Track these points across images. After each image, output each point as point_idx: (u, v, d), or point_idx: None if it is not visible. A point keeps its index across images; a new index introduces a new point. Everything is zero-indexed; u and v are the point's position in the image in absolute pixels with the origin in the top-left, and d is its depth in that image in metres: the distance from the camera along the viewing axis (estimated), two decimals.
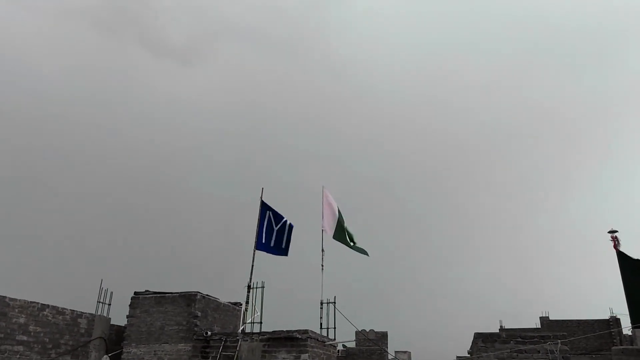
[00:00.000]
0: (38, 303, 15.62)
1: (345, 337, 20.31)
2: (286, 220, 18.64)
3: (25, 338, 14.97)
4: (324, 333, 17.00)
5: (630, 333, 23.19)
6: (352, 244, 19.57)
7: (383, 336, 38.74)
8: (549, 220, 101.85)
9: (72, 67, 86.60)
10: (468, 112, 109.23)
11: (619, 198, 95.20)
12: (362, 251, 19.72)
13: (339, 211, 19.57)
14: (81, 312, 17.16)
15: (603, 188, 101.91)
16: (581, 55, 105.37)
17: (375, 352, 36.06)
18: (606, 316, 31.60)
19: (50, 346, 15.74)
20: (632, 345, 18.18)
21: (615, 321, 30.30)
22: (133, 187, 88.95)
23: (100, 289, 18.16)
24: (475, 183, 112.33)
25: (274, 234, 18.35)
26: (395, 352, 47.85)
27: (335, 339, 17.44)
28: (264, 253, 18.40)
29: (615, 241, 18.38)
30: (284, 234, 18.50)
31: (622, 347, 16.36)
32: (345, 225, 19.60)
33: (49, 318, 15.89)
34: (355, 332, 30.39)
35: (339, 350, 29.91)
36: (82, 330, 17.03)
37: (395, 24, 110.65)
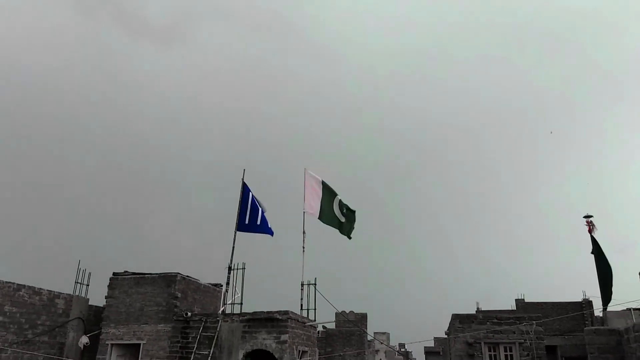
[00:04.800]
0: (14, 283, 15.35)
1: (325, 319, 20.56)
2: (260, 205, 18.54)
3: (0, 318, 14.73)
4: (304, 314, 17.11)
5: (601, 314, 23.89)
6: (342, 220, 19.21)
7: (362, 317, 39.24)
8: (525, 205, 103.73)
9: (46, 48, 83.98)
10: (450, 105, 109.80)
11: (592, 184, 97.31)
12: (346, 230, 19.37)
13: (323, 190, 19.36)
14: (58, 292, 16.94)
15: (577, 175, 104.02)
16: (558, 49, 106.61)
17: (354, 333, 36.54)
18: (579, 298, 32.48)
19: (26, 326, 15.53)
20: (603, 325, 18.74)
21: (587, 303, 31.16)
22: (111, 169, 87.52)
23: (78, 269, 17.92)
24: (452, 172, 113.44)
25: (259, 212, 18.26)
26: (375, 333, 48.70)
27: (315, 320, 17.58)
28: (245, 235, 18.34)
29: (590, 226, 18.79)
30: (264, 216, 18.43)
31: (593, 327, 16.86)
32: (333, 204, 19.28)
33: (25, 298, 15.65)
34: (335, 313, 30.69)
35: (319, 332, 30.25)
36: (60, 311, 16.83)
37: (379, 12, 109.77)
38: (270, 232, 18.29)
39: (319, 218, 19.12)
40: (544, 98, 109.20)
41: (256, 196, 18.65)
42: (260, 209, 18.26)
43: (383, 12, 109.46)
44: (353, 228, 19.51)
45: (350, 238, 19.44)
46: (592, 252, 18.10)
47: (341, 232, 19.35)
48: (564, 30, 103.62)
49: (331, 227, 19.39)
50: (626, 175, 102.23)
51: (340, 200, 19.42)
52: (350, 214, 19.49)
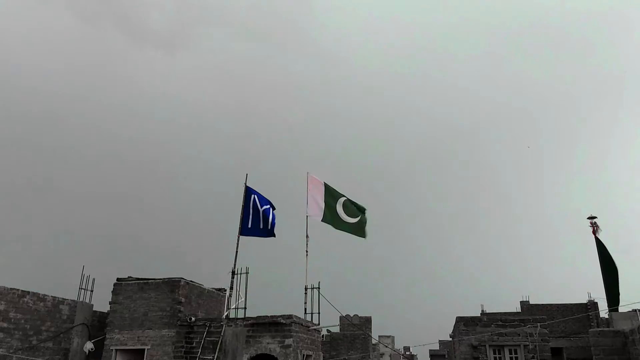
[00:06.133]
0: (18, 290, 15.40)
1: (329, 322, 20.50)
2: (269, 206, 18.56)
3: (5, 325, 14.77)
4: (309, 318, 17.10)
5: (607, 316, 23.78)
6: (351, 220, 19.08)
7: (367, 321, 39.18)
8: (529, 207, 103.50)
9: (49, 55, 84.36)
10: (454, 105, 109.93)
11: (597, 185, 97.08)
12: (359, 231, 19.16)
13: (326, 192, 19.32)
14: (63, 298, 16.98)
15: (582, 176, 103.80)
16: (553, 52, 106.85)
17: (359, 337, 36.43)
18: (584, 300, 32.33)
19: (31, 333, 15.57)
20: (609, 327, 18.65)
21: (593, 305, 31.01)
22: (114, 174, 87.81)
23: (82, 275, 17.97)
24: (455, 173, 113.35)
25: (260, 216, 18.29)
26: (379, 336, 48.45)
27: (319, 324, 17.57)
28: (248, 239, 18.37)
29: (595, 227, 18.72)
30: (269, 215, 18.45)
31: (598, 329, 16.78)
32: (337, 206, 19.19)
33: (30, 305, 15.69)
34: (340, 317, 30.68)
35: (323, 335, 30.17)
36: (64, 317, 16.87)
37: (378, 13, 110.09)
38: (269, 234, 18.28)
39: (323, 220, 19.07)
40: (548, 97, 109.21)
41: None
42: (261, 210, 18.24)
43: (385, 13, 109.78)
44: (365, 225, 19.23)
45: (365, 237, 19.21)
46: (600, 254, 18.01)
47: (351, 232, 19.21)
48: (568, 29, 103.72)
49: (335, 230, 19.37)
50: (631, 176, 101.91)
51: (344, 202, 19.35)
52: (360, 213, 19.32)
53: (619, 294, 17.74)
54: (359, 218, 19.22)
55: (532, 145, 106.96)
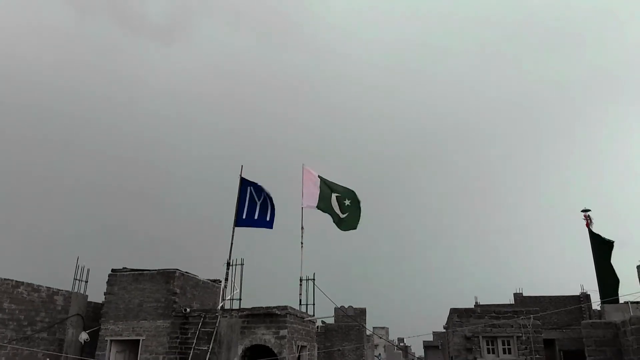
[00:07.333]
0: (12, 280, 15.37)
1: (324, 314, 20.61)
2: (266, 193, 18.49)
3: None
4: (303, 309, 17.16)
5: (599, 308, 23.95)
6: (342, 215, 19.13)
7: (361, 312, 39.26)
8: (523, 200, 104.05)
9: (46, 47, 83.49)
10: (452, 101, 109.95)
11: (592, 179, 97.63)
12: (350, 224, 19.22)
13: (321, 185, 19.32)
14: (57, 289, 16.95)
15: (576, 169, 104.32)
16: (546, 50, 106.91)
17: (353, 328, 36.57)
18: (577, 292, 32.57)
19: (25, 323, 15.56)
20: (601, 319, 18.84)
21: (585, 297, 31.24)
22: (109, 165, 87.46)
23: (77, 266, 17.94)
24: (451, 166, 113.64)
25: (257, 207, 18.26)
26: (374, 327, 48.70)
27: (314, 315, 17.63)
28: (244, 231, 18.35)
29: (588, 220, 18.80)
30: (267, 206, 18.40)
31: (590, 321, 16.94)
32: (331, 199, 19.22)
33: (24, 295, 15.67)
34: (334, 308, 30.74)
35: (317, 327, 30.31)
36: (59, 308, 16.85)
37: (377, 9, 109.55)
38: (268, 225, 18.23)
39: (317, 207, 19.01)
40: (545, 94, 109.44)
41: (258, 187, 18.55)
42: (258, 202, 18.21)
43: (384, 8, 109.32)
44: (359, 217, 19.22)
45: (355, 228, 19.23)
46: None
47: (341, 227, 19.23)
48: (565, 26, 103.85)
49: (331, 223, 19.37)
50: (626, 170, 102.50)
51: (338, 197, 19.38)
52: (354, 207, 19.35)
53: (618, 281, 17.72)
54: (347, 214, 19.23)
55: (528, 139, 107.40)
